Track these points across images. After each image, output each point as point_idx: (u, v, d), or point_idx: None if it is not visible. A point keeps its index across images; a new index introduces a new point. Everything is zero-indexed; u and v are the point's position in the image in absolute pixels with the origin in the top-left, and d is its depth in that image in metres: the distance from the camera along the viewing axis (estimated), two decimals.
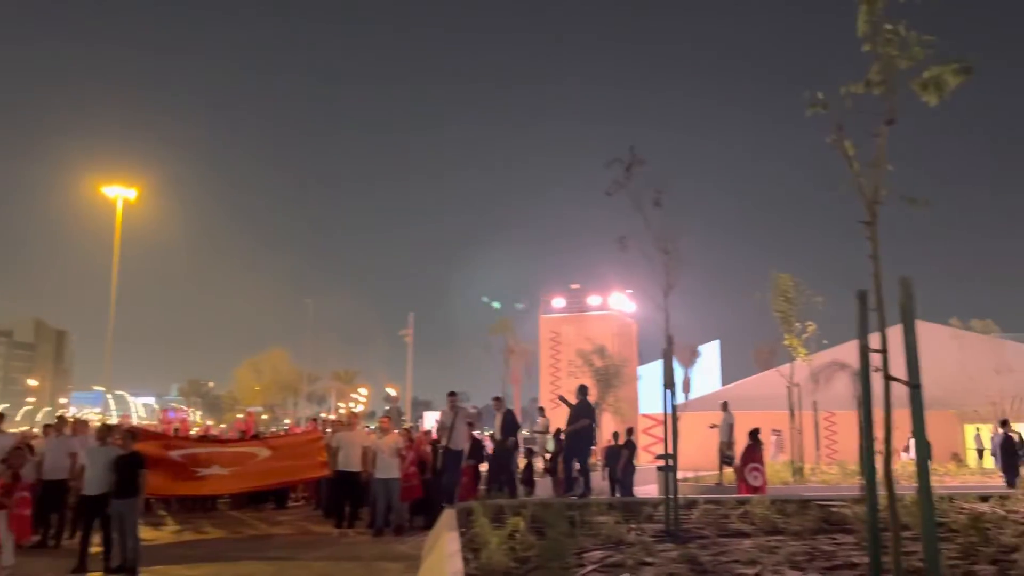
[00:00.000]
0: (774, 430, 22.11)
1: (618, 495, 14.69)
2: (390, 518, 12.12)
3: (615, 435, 16.31)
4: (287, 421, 78.35)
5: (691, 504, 10.11)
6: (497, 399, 15.33)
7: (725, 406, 17.69)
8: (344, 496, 12.84)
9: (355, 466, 12.61)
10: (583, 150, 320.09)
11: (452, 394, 12.61)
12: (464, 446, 11.77)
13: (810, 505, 9.68)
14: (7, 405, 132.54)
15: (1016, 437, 18.42)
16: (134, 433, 10.18)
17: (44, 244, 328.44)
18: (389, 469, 12.16)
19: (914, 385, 4.10)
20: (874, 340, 4.16)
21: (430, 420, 40.22)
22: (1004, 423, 18.29)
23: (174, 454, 13.49)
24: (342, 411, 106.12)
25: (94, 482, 9.47)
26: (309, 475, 14.16)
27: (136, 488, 9.11)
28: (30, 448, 11.86)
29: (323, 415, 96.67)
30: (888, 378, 4.17)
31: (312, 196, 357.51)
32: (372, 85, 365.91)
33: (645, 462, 26.00)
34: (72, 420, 14.62)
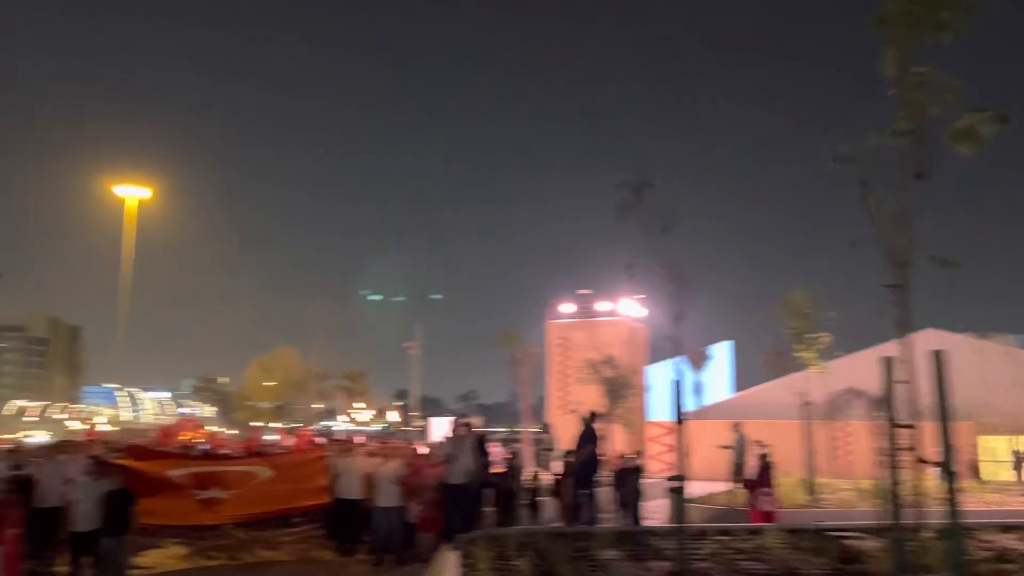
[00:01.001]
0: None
1: (626, 521, 14.38)
2: (391, 546, 11.86)
3: (623, 457, 15.99)
4: (296, 424, 78.36)
5: (701, 533, 9.79)
6: (466, 424, 13.95)
7: (738, 427, 17.31)
8: (345, 523, 12.59)
9: (356, 493, 12.35)
10: (592, 153, 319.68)
11: (459, 419, 12.23)
12: (466, 479, 11.34)
13: (825, 537, 9.36)
14: (24, 402, 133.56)
15: None
16: (124, 468, 9.91)
17: (58, 241, 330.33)
18: (390, 497, 11.90)
19: (949, 472, 3.80)
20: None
21: (437, 428, 39.63)
22: None
23: (174, 474, 13.26)
24: (347, 423, 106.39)
25: (85, 517, 9.24)
26: (309, 502, 13.90)
27: (127, 525, 8.89)
28: (26, 477, 11.59)
29: (329, 424, 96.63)
30: (920, 461, 3.88)
31: (323, 199, 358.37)
32: (381, 88, 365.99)
33: (654, 471, 25.65)
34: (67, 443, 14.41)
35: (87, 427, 58.52)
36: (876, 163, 4.45)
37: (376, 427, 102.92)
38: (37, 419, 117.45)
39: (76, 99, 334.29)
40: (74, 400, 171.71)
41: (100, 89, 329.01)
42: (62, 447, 13.35)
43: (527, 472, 16.71)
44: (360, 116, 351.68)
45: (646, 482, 16.52)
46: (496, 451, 18.01)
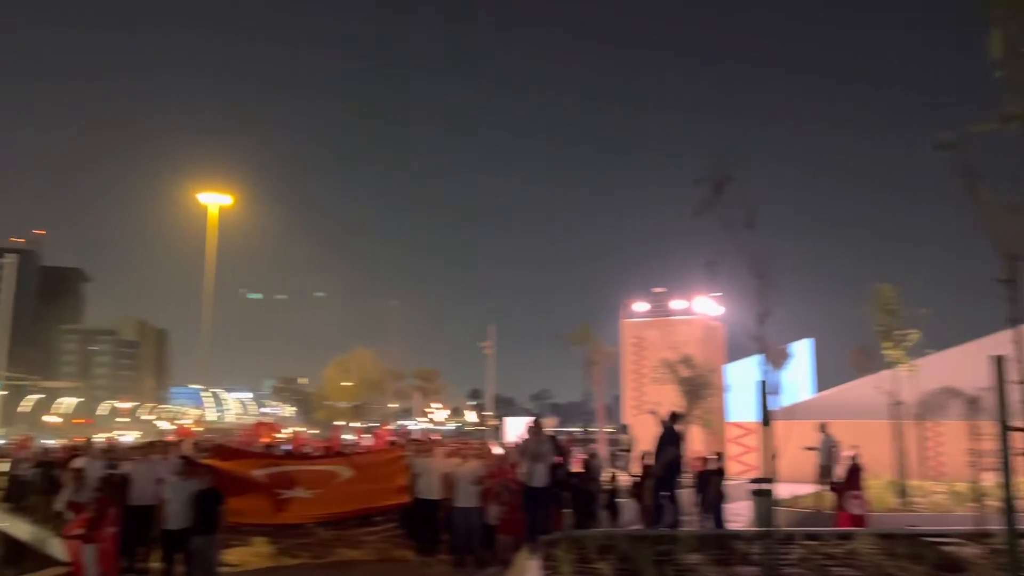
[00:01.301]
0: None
1: (709, 524, 14.08)
2: (472, 547, 11.86)
3: (705, 459, 15.65)
4: (374, 424, 79.64)
5: (788, 538, 9.49)
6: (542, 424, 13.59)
7: (824, 427, 16.75)
8: (424, 523, 12.65)
9: (435, 493, 12.37)
10: (669, 147, 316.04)
11: (535, 420, 12.09)
12: (545, 481, 11.19)
13: (921, 543, 8.95)
14: (115, 403, 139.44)
15: None
16: (212, 468, 10.19)
17: (146, 247, 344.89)
18: (469, 497, 11.89)
19: None
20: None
21: (512, 428, 39.55)
22: None
23: (258, 473, 13.58)
24: (424, 423, 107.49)
25: (175, 516, 9.54)
26: (389, 502, 14.04)
27: (216, 525, 9.14)
28: (121, 476, 12.03)
29: (405, 424, 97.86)
30: None
31: (403, 200, 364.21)
32: (455, 83, 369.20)
33: (734, 473, 25.10)
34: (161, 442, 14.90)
35: (176, 427, 60.66)
36: (983, 150, 4.17)
37: (451, 427, 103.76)
38: (128, 419, 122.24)
39: (168, 112, 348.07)
40: (162, 401, 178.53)
41: (190, 102, 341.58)
42: (154, 447, 13.80)
43: (605, 473, 16.52)
44: (423, 121, 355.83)
45: (727, 484, 16.15)
46: (573, 452, 17.89)
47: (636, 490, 15.11)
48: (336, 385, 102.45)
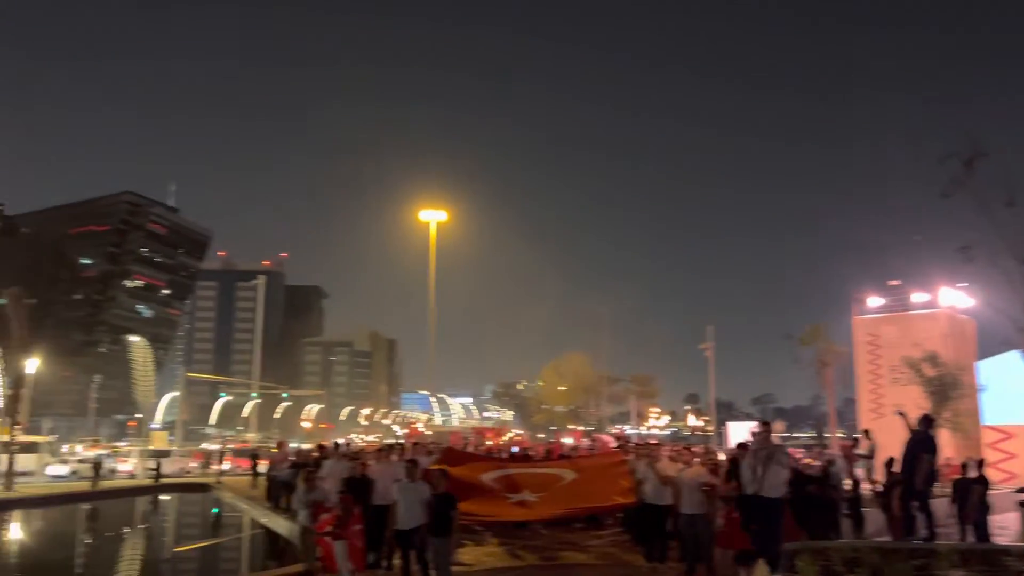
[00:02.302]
0: None
1: (970, 539, 12.64)
2: (702, 556, 11.40)
3: (963, 466, 14.10)
4: (590, 427, 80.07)
5: None
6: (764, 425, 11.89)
7: None
8: (652, 529, 12.37)
9: (660, 499, 12.00)
10: (904, 126, 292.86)
11: (764, 424, 11.34)
12: (782, 492, 10.40)
13: None
14: (351, 407, 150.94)
15: None
16: (445, 473, 10.61)
17: (376, 262, 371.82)
18: (693, 503, 11.49)
19: None
20: None
21: (735, 433, 37.83)
22: None
23: (486, 478, 14.01)
24: (641, 427, 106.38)
25: (405, 517, 10.11)
26: (612, 503, 13.93)
27: (450, 527, 9.54)
28: (363, 477, 12.82)
29: (623, 429, 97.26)
30: None
31: (611, 208, 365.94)
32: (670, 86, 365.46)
33: (995, 480, 22.54)
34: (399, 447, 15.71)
35: (408, 430, 64.43)
36: None
37: (668, 432, 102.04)
38: (366, 423, 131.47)
39: (394, 135, 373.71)
40: (394, 406, 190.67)
41: (412, 125, 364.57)
42: (392, 449, 14.61)
43: (846, 481, 15.38)
44: (638, 122, 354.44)
45: (991, 494, 14.49)
46: (807, 459, 16.83)
47: (882, 499, 13.93)
48: (552, 389, 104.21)
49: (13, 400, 35.60)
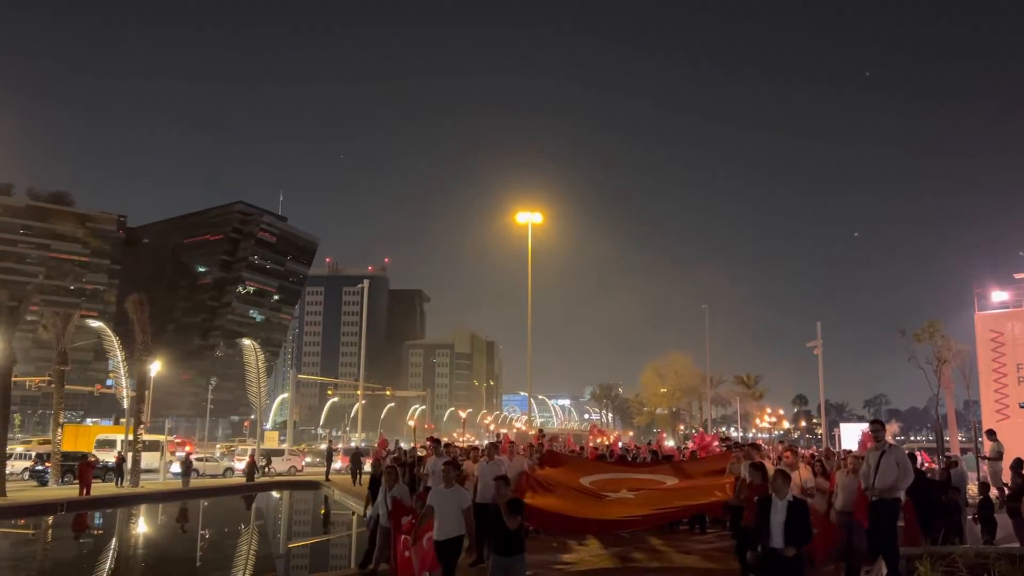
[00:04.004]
0: None
1: None
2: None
3: None
4: (695, 429, 78.44)
5: None
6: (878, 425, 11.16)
7: None
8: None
9: None
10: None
11: (877, 424, 10.60)
12: (899, 494, 9.71)
13: None
14: (452, 408, 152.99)
15: None
16: (507, 479, 9.10)
17: (477, 265, 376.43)
18: None
19: None
20: None
21: (847, 435, 36.10)
22: None
23: (585, 481, 13.75)
24: (747, 429, 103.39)
25: (444, 527, 8.99)
26: (715, 498, 13.28)
27: (518, 545, 8.03)
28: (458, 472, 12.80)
29: (726, 430, 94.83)
30: None
31: (708, 211, 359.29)
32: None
33: None
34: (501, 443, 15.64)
35: (508, 431, 64.75)
36: None
37: (776, 434, 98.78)
38: (466, 425, 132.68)
39: (487, 143, 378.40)
40: (494, 407, 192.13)
41: (510, 131, 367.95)
42: (495, 448, 14.52)
43: (970, 485, 14.48)
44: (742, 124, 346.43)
45: None
46: (929, 462, 15.94)
47: (1010, 503, 13.03)
48: (653, 391, 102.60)
49: (137, 401, 37.65)
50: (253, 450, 46.14)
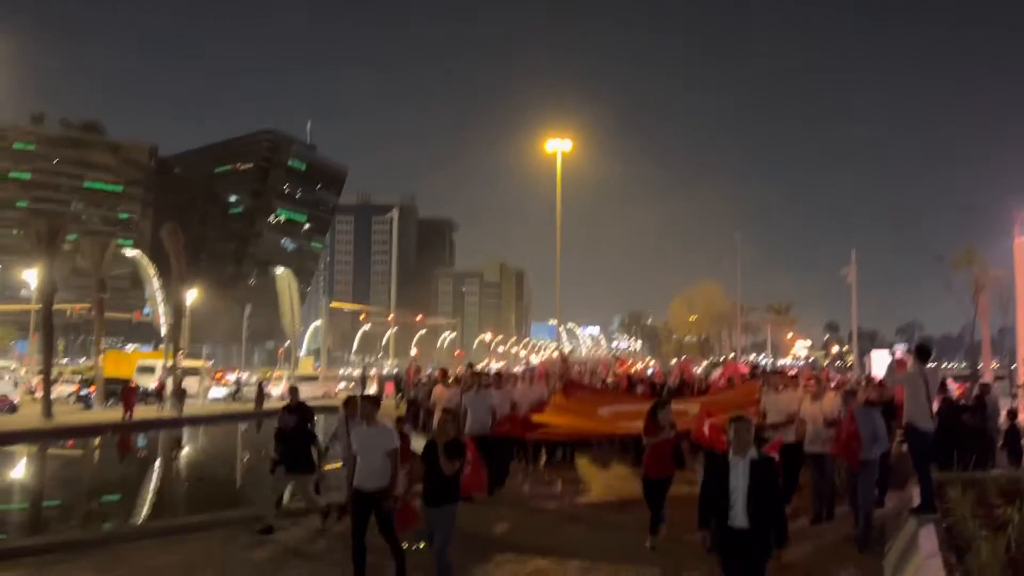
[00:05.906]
0: None
1: None
2: (826, 506, 10.55)
3: None
4: (723, 357, 78.56)
5: None
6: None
7: None
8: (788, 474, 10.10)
9: (788, 436, 10.50)
10: None
11: (923, 349, 9.41)
12: (930, 424, 8.81)
13: None
14: (482, 337, 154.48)
15: None
16: (455, 415, 8.30)
17: (505, 194, 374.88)
18: (819, 443, 10.22)
19: None
20: None
21: (878, 361, 34.53)
22: None
23: (604, 411, 13.76)
24: (780, 357, 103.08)
25: (364, 474, 7.66)
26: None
27: (456, 493, 7.29)
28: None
29: (755, 357, 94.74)
30: None
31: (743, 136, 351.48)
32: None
33: None
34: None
35: (539, 359, 65.35)
36: None
37: (805, 362, 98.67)
38: (494, 351, 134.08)
39: (520, 72, 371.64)
40: (523, 335, 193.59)
41: (544, 59, 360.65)
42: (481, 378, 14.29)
43: (1002, 412, 14.41)
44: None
45: None
46: (958, 391, 15.85)
47: None
48: (682, 319, 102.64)
49: (175, 328, 38.48)
50: (290, 375, 47.14)
